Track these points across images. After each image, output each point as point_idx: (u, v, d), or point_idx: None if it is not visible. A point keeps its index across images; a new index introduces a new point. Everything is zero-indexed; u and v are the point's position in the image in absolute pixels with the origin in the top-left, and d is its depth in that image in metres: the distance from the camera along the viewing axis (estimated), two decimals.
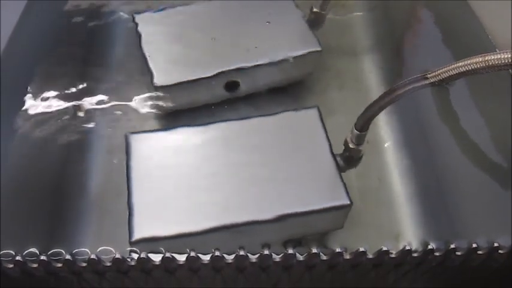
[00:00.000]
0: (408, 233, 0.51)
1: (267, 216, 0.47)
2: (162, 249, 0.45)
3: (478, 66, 0.42)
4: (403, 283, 0.50)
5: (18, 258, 0.42)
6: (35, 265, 0.42)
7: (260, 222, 0.47)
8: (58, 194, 0.55)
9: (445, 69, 0.45)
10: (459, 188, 0.55)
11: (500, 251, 0.45)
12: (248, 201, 0.48)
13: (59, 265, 0.43)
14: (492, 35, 0.71)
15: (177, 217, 0.47)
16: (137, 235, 0.46)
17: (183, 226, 0.47)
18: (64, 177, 0.56)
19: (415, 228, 0.52)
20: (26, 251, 0.45)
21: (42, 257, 0.42)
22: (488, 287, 0.52)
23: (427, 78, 0.46)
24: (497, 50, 0.66)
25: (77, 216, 0.53)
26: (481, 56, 0.42)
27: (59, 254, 0.46)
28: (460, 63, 0.44)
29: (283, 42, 0.63)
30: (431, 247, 0.46)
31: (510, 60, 0.41)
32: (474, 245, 0.45)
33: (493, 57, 0.41)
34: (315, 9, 0.72)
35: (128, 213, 0.47)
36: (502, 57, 0.41)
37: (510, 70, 0.64)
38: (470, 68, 0.43)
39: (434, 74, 0.46)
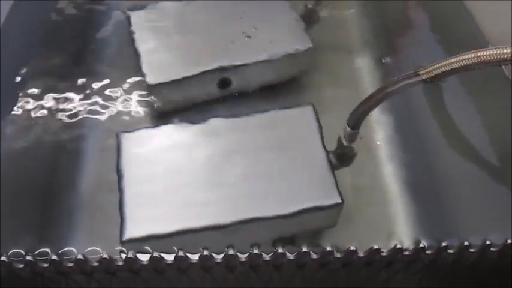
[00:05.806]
0: (401, 231, 0.51)
1: (259, 215, 0.47)
2: (149, 248, 0.44)
3: (471, 62, 0.42)
4: (395, 282, 0.49)
5: (3, 258, 0.42)
6: (21, 265, 0.42)
7: (252, 220, 0.47)
8: (49, 192, 0.54)
9: (437, 65, 0.44)
10: (452, 185, 0.54)
11: (492, 249, 0.45)
12: (240, 199, 0.48)
13: (45, 265, 0.42)
14: (485, 31, 0.70)
15: (168, 216, 0.47)
16: (128, 234, 0.46)
17: (174, 225, 0.46)
18: (56, 175, 0.56)
19: (408, 227, 0.52)
20: (11, 251, 0.45)
21: (28, 257, 0.41)
22: (480, 285, 0.52)
23: (418, 75, 0.45)
24: (490, 45, 0.66)
25: (68, 214, 0.52)
26: (473, 52, 0.41)
27: (46, 254, 0.45)
28: (453, 60, 0.43)
29: (276, 39, 0.63)
30: (423, 245, 0.45)
31: (503, 56, 0.40)
32: (466, 243, 0.45)
33: (485, 53, 0.41)
34: (309, 6, 0.72)
35: (119, 212, 0.47)
36: (495, 53, 0.40)
37: (503, 66, 0.63)
38: (462, 64, 0.42)
39: (426, 70, 0.45)
